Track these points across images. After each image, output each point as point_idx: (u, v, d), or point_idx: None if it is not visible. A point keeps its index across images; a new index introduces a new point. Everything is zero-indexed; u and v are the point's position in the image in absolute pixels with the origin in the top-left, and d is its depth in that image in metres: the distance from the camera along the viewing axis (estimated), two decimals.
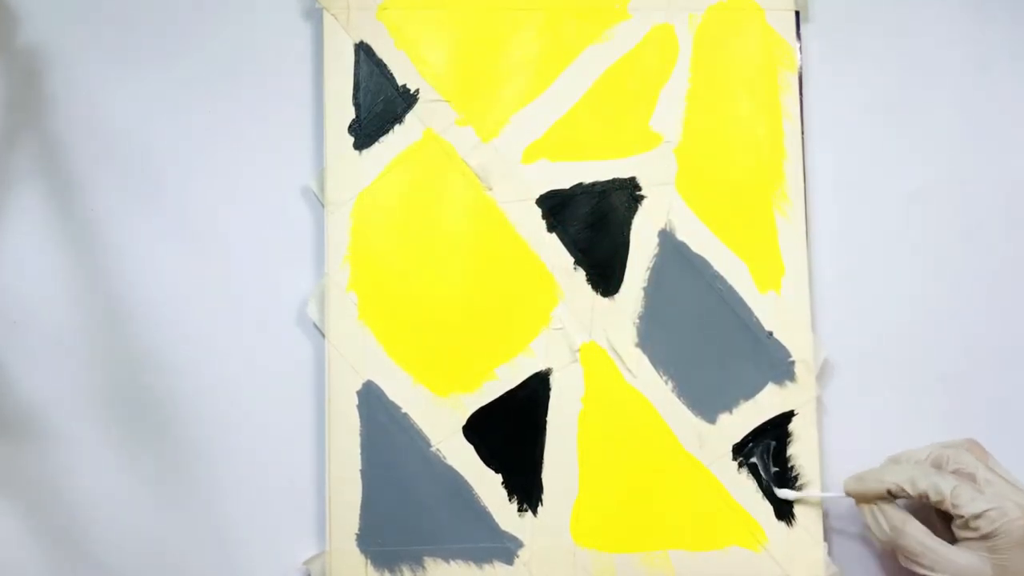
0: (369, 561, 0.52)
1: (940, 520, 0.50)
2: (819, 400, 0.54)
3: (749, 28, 0.56)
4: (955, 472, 0.49)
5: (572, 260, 0.54)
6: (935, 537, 0.48)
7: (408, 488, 0.52)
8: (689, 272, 0.54)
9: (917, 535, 0.48)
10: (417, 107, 0.54)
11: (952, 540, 0.48)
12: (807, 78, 0.56)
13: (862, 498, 0.50)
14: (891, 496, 0.49)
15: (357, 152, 0.54)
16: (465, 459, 0.53)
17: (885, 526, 0.49)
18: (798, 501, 0.53)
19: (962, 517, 0.47)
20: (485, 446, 0.53)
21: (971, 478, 0.48)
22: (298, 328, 0.53)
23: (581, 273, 0.54)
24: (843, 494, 0.51)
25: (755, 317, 0.54)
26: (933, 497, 0.48)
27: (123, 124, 0.54)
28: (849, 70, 0.57)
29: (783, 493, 0.53)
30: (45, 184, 0.53)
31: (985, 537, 0.46)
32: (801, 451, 0.53)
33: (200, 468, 0.53)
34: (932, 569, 0.47)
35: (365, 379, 0.52)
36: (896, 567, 0.53)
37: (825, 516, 0.53)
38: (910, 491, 0.48)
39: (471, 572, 0.52)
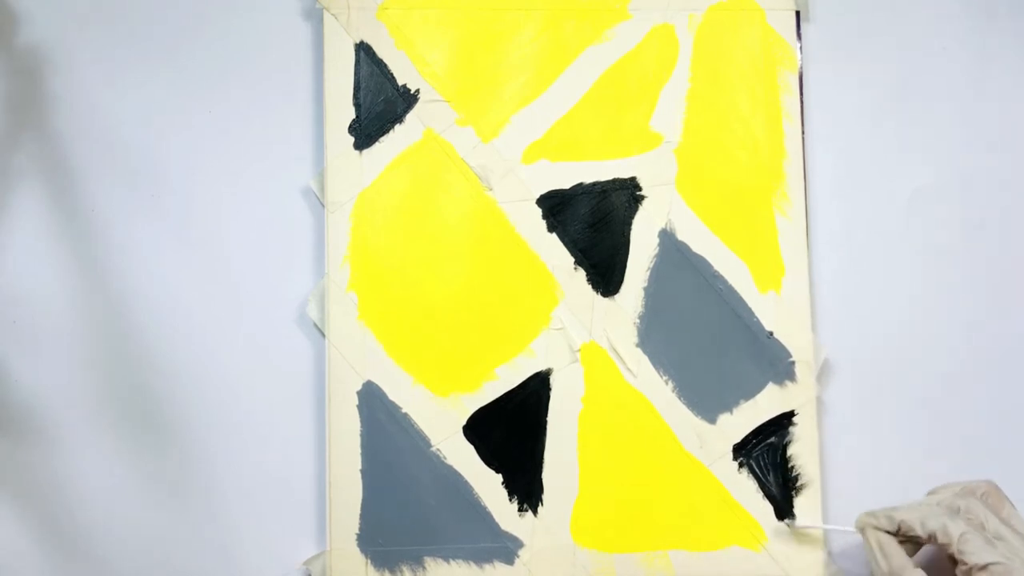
0: (369, 561, 0.52)
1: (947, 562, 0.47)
2: (819, 400, 0.54)
3: (749, 28, 0.56)
4: (967, 520, 0.46)
5: (572, 260, 0.54)
6: None
7: (408, 488, 0.52)
8: (689, 272, 0.54)
9: None
10: (417, 107, 0.54)
11: None
12: (807, 78, 0.56)
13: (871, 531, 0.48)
14: (900, 535, 0.47)
15: (357, 152, 0.54)
16: (465, 459, 0.53)
17: (885, 567, 0.47)
18: (800, 529, 0.52)
19: (966, 565, 0.45)
20: (485, 446, 0.53)
21: (981, 528, 0.46)
22: (298, 328, 0.53)
23: (581, 273, 0.54)
24: (853, 528, 0.49)
25: (755, 317, 0.54)
26: (941, 539, 0.46)
27: (124, 124, 0.54)
28: (849, 70, 0.57)
29: (798, 524, 0.52)
30: (45, 184, 0.53)
31: None
32: (801, 451, 0.53)
33: (200, 468, 0.53)
34: None
35: (365, 379, 0.52)
36: None
37: (825, 516, 0.53)
38: (919, 531, 0.46)
39: (471, 572, 0.52)
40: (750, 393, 0.54)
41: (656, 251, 0.54)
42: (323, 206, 0.53)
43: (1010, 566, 0.44)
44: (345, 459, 0.52)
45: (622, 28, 0.55)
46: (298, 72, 0.55)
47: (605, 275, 0.54)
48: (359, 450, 0.52)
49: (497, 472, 0.53)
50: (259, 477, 0.53)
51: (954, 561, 0.46)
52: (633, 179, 0.55)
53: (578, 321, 0.54)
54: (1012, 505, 0.48)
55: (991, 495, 0.48)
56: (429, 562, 0.52)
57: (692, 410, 0.53)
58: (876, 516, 0.48)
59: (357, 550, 0.52)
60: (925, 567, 0.46)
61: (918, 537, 0.47)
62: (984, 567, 0.44)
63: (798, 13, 0.56)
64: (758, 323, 0.54)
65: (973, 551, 0.45)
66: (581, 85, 0.55)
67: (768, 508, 0.53)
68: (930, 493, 0.50)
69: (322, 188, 0.53)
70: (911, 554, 0.47)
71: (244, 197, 0.54)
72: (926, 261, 0.56)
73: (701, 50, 0.55)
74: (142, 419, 0.53)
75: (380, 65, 0.54)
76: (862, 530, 0.48)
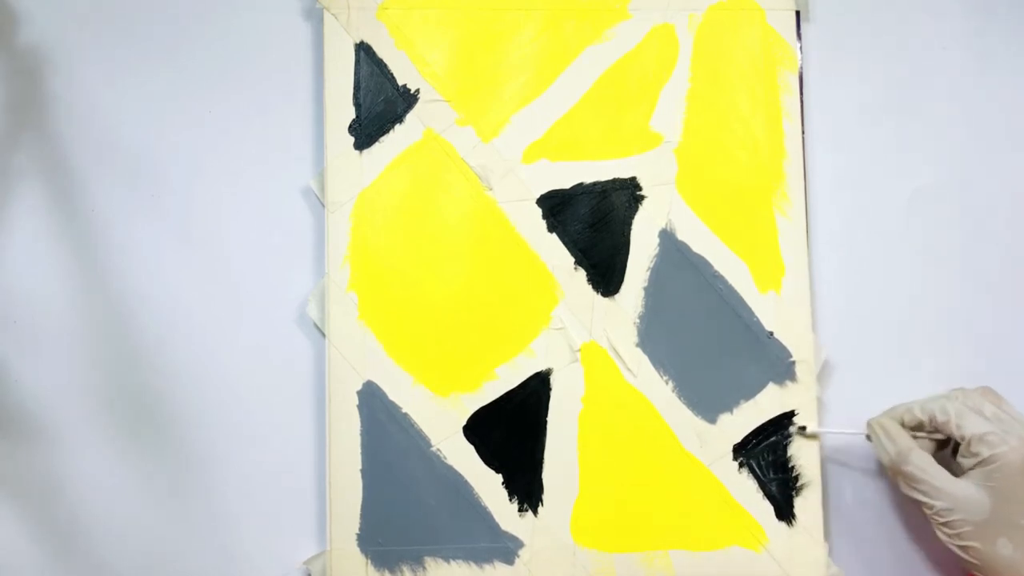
0: (369, 561, 0.52)
1: (952, 458, 0.50)
2: (819, 400, 0.54)
3: (749, 28, 0.56)
4: (963, 404, 0.49)
5: (572, 260, 0.54)
6: (938, 466, 0.48)
7: (408, 488, 0.52)
8: (689, 272, 0.54)
9: (920, 462, 0.48)
10: (417, 107, 0.54)
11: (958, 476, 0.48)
12: (807, 78, 0.56)
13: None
14: (904, 426, 0.50)
15: (357, 152, 0.54)
16: (465, 459, 0.53)
17: (892, 450, 0.49)
18: (811, 434, 0.53)
19: (964, 439, 0.48)
20: (485, 446, 0.53)
21: (979, 412, 0.48)
22: (298, 328, 0.53)
23: (581, 273, 0.54)
24: (865, 432, 0.51)
25: (755, 317, 0.54)
26: (939, 417, 0.48)
27: (124, 124, 0.54)
28: (849, 70, 0.57)
29: (812, 428, 0.53)
30: (46, 184, 0.53)
31: (983, 463, 0.47)
32: (801, 451, 0.53)
33: (200, 468, 0.53)
34: (929, 496, 0.48)
35: (365, 379, 0.52)
36: (898, 567, 0.53)
37: (826, 516, 0.53)
38: (919, 413, 0.49)
39: (471, 572, 0.52)
40: (750, 393, 0.54)
41: (656, 251, 0.54)
42: (323, 206, 0.53)
43: (1004, 436, 0.47)
44: (345, 459, 0.52)
45: (622, 28, 0.55)
46: (298, 72, 0.55)
47: (605, 275, 0.54)
48: (359, 450, 0.52)
49: (497, 472, 0.53)
50: (259, 477, 0.53)
51: (955, 452, 0.49)
52: (633, 179, 0.55)
53: (578, 321, 0.54)
54: (1010, 404, 0.50)
55: (990, 393, 0.50)
56: (429, 562, 0.52)
57: (692, 410, 0.53)
58: (882, 415, 0.51)
59: (357, 550, 0.52)
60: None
61: (917, 423, 0.49)
62: (981, 436, 0.47)
63: (798, 13, 0.56)
64: (758, 323, 0.54)
65: (970, 424, 0.48)
66: (581, 85, 0.55)
67: (768, 508, 0.53)
68: None
69: (322, 188, 0.53)
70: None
71: (244, 197, 0.54)
72: (926, 261, 0.56)
73: (701, 50, 0.55)
74: (142, 419, 0.53)
75: (380, 65, 0.54)
76: (868, 424, 0.51)
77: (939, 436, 0.50)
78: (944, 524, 0.47)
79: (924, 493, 0.48)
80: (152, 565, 0.52)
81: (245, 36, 0.55)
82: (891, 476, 0.50)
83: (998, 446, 0.47)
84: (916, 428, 0.50)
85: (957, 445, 0.49)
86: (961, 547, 0.47)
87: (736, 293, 0.54)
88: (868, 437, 0.51)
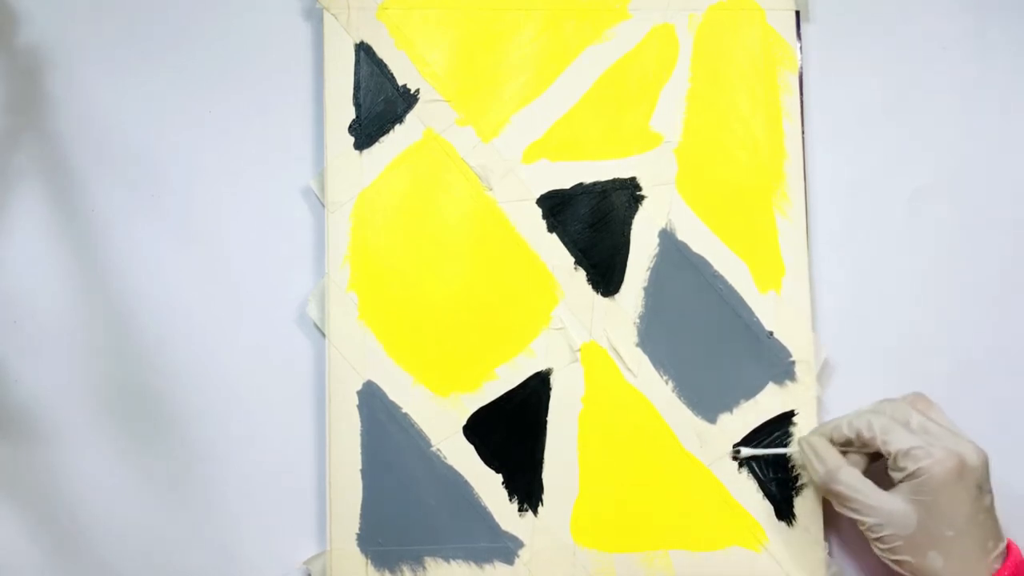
0: (369, 561, 0.52)
1: (885, 472, 0.49)
2: (819, 400, 0.54)
3: (749, 28, 0.56)
4: (892, 418, 0.49)
5: (572, 260, 0.54)
6: (867, 482, 0.48)
7: (408, 488, 0.52)
8: (689, 272, 0.54)
9: (849, 480, 0.48)
10: (417, 107, 0.54)
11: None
12: (807, 78, 0.56)
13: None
14: (832, 442, 0.50)
15: (357, 152, 0.54)
16: (465, 459, 0.53)
17: (820, 470, 0.49)
18: (758, 458, 0.53)
19: (891, 454, 0.47)
20: (485, 446, 0.53)
21: (906, 424, 0.48)
22: (298, 328, 0.53)
23: (581, 273, 0.54)
24: (795, 450, 0.52)
25: (755, 317, 0.54)
26: (866, 433, 0.48)
27: (123, 124, 0.54)
28: (849, 70, 0.57)
29: (744, 451, 0.53)
30: (45, 184, 0.53)
31: (910, 476, 0.46)
32: None
33: (200, 468, 0.53)
34: (860, 513, 0.47)
35: (365, 379, 0.52)
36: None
37: (826, 516, 0.53)
38: (846, 430, 0.49)
39: (471, 572, 0.52)
40: (750, 393, 0.54)
41: (656, 251, 0.54)
42: (323, 206, 0.53)
43: (929, 449, 0.46)
44: (345, 459, 0.52)
45: (622, 28, 0.55)
46: (298, 72, 0.55)
47: (605, 275, 0.54)
48: (359, 450, 0.52)
49: (497, 472, 0.53)
50: (259, 477, 0.53)
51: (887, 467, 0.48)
52: (633, 179, 0.55)
53: (578, 321, 0.54)
54: (940, 410, 0.50)
55: (919, 401, 0.50)
56: (429, 562, 0.52)
57: (692, 410, 0.53)
58: (811, 432, 0.51)
59: (357, 550, 0.52)
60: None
61: (846, 440, 0.49)
62: (906, 452, 0.47)
63: (798, 13, 0.56)
64: (758, 323, 0.54)
65: (895, 439, 0.47)
66: (581, 85, 0.55)
67: (768, 508, 0.53)
68: None
69: (322, 188, 0.53)
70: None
71: (244, 197, 0.54)
72: (926, 261, 0.56)
73: (701, 50, 0.55)
74: (142, 419, 0.53)
75: (380, 65, 0.54)
76: (798, 443, 0.51)
77: (868, 450, 0.49)
78: (877, 539, 0.47)
79: (855, 511, 0.48)
80: (152, 565, 0.52)
81: (245, 36, 0.55)
82: (822, 495, 0.50)
83: (922, 459, 0.46)
84: (845, 444, 0.49)
85: None
86: (895, 561, 0.47)
87: (736, 293, 0.54)
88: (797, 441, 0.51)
